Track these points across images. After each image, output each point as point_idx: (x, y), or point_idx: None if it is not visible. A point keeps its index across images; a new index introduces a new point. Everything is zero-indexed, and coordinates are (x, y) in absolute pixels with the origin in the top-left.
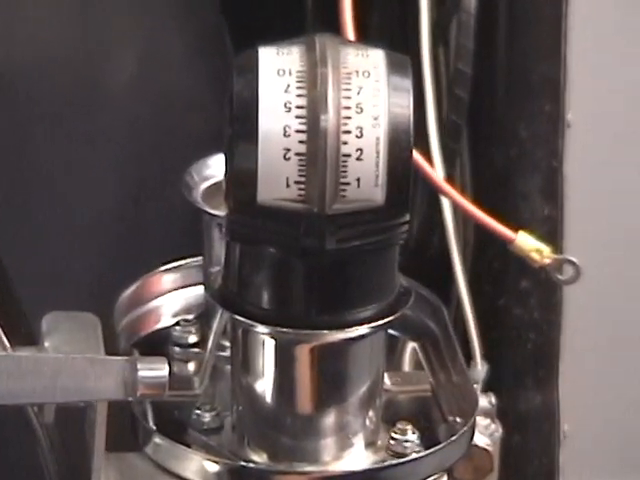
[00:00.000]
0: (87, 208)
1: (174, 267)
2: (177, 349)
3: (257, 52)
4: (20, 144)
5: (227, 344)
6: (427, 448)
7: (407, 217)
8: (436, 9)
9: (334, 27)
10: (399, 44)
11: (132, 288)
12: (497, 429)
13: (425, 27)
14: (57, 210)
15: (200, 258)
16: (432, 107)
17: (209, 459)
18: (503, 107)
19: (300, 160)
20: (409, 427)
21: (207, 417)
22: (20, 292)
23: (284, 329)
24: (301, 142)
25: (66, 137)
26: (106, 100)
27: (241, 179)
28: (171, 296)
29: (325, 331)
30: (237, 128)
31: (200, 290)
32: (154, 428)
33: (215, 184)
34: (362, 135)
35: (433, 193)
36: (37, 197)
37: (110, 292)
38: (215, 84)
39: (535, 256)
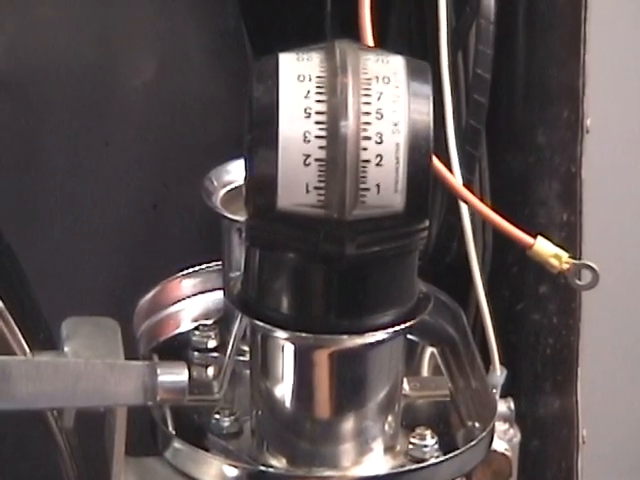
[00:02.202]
0: (107, 214)
1: (193, 272)
2: (196, 354)
3: (277, 58)
4: (36, 150)
5: (246, 349)
6: (446, 453)
7: (426, 223)
8: (455, 15)
9: (353, 32)
10: (418, 50)
11: (152, 293)
12: (516, 434)
13: (444, 33)
14: (76, 216)
15: (219, 263)
16: (451, 113)
17: (228, 464)
18: (522, 113)
19: (320, 166)
20: (428, 432)
21: (226, 422)
22: (40, 297)
23: (303, 334)
24: (321, 148)
25: (83, 142)
26: (124, 105)
27: (261, 185)
28: (190, 301)
29: (344, 336)
30: (257, 134)
31: (219, 295)
32: (173, 433)
33: (235, 189)
34: (382, 141)
35: (452, 199)
36: (56, 203)
37: (130, 297)
38: (234, 88)
39: (553, 261)
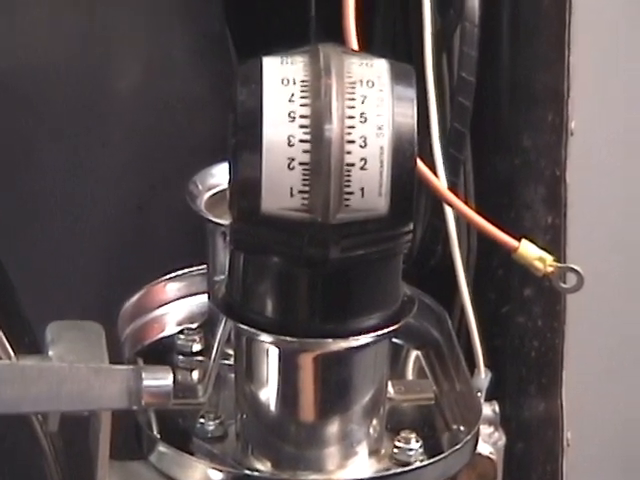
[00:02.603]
0: (91, 216)
1: (178, 275)
2: (181, 357)
3: (261, 61)
4: (24, 151)
5: (231, 352)
6: (431, 457)
7: (411, 226)
8: (440, 18)
9: (337, 35)
10: (403, 52)
11: (136, 296)
12: (500, 437)
13: (428, 36)
14: (61, 218)
15: (204, 266)
16: (435, 115)
17: (213, 467)
18: (507, 116)
19: (304, 170)
20: (413, 435)
21: (211, 425)
22: (24, 300)
23: (288, 338)
24: (305, 152)
25: (70, 144)
26: (109, 107)
27: (245, 188)
28: (175, 304)
29: (329, 340)
30: (241, 137)
31: (204, 298)
32: (158, 436)
33: (219, 193)
34: (366, 145)
35: (437, 202)
36: (41, 205)
37: (114, 300)
38: (219, 91)
39: (538, 265)
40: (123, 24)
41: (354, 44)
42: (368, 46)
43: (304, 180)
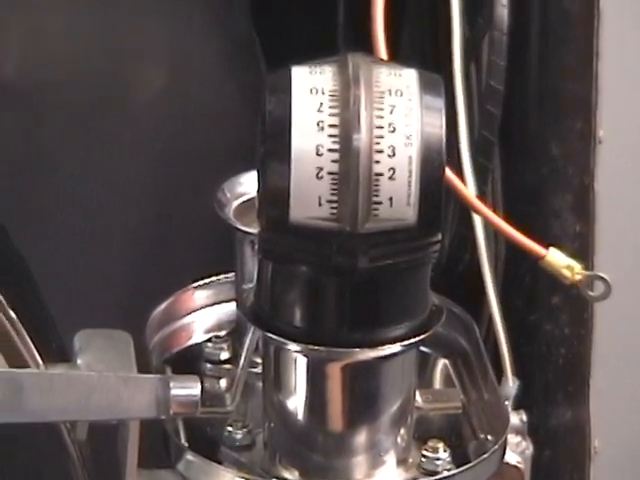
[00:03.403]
0: (118, 225)
1: (206, 283)
2: (209, 366)
3: (290, 71)
4: (45, 159)
5: (259, 361)
6: (458, 466)
7: (439, 236)
8: (468, 26)
9: (366, 43)
10: (431, 61)
11: (164, 304)
12: (528, 447)
13: (457, 44)
14: (88, 227)
15: (232, 274)
16: (464, 123)
17: (241, 476)
18: (535, 124)
19: (332, 179)
20: (440, 445)
21: (239, 434)
22: (52, 309)
23: (316, 347)
24: (334, 161)
25: (94, 151)
26: (134, 114)
27: (273, 197)
28: (203, 312)
29: (357, 349)
30: (270, 146)
31: (232, 306)
32: (186, 445)
33: (248, 201)
34: (394, 154)
35: (465, 210)
36: (66, 213)
37: (142, 308)
38: (246, 98)
39: (566, 273)
40: (148, 32)
41: (383, 53)
42: (397, 55)
43: (332, 189)
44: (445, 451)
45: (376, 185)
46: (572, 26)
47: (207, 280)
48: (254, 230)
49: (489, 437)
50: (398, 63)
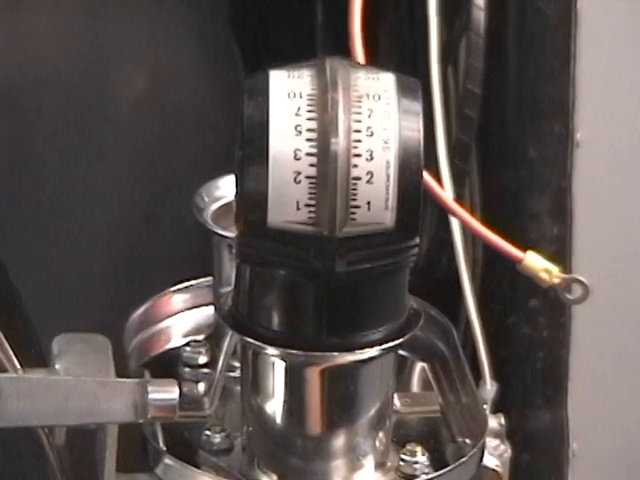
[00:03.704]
0: (97, 228)
1: (184, 287)
2: (187, 369)
3: (268, 75)
4: (27, 162)
5: (237, 365)
6: (437, 469)
7: (417, 240)
8: (445, 30)
9: (344, 45)
10: (408, 64)
11: (142, 308)
12: (506, 450)
13: (434, 47)
14: (67, 230)
15: (210, 278)
16: (441, 127)
17: None
18: (512, 127)
19: (310, 183)
20: (419, 448)
21: (217, 438)
22: (31, 313)
23: (294, 351)
24: (311, 165)
25: (74, 154)
26: (116, 116)
27: (251, 202)
28: (181, 316)
29: (335, 353)
30: (248, 151)
31: (210, 310)
32: (164, 449)
33: (225, 205)
34: (372, 158)
35: (442, 213)
36: (47, 217)
37: (121, 312)
38: (226, 101)
39: (544, 276)
40: (128, 34)
41: (360, 57)
42: (374, 57)
43: (310, 193)
44: (423, 455)
45: (354, 189)
46: (549, 29)
47: (185, 284)
48: (232, 234)
49: (467, 441)
50: (376, 67)
